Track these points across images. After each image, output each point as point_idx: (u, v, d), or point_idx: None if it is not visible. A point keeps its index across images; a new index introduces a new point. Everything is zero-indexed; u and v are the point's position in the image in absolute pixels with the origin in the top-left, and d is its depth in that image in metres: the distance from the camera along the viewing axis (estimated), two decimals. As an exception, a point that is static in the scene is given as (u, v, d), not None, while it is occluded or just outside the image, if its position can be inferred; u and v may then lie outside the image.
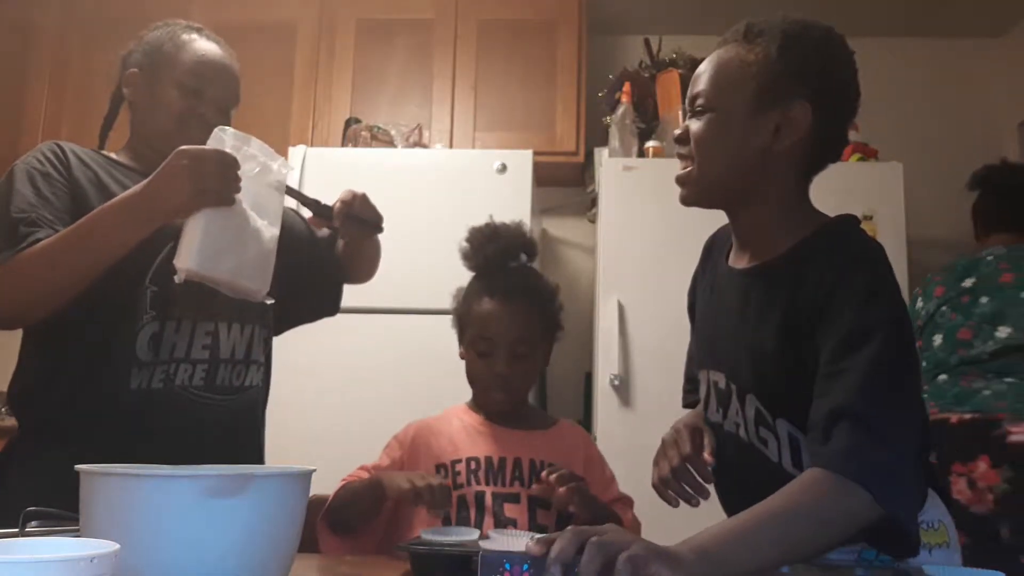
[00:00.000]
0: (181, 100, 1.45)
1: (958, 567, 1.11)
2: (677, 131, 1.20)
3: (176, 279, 1.27)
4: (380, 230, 1.56)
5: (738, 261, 1.22)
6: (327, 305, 1.68)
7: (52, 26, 3.27)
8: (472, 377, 1.52)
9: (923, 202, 2.92)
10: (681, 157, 1.19)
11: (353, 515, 1.40)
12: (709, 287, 1.30)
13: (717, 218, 1.27)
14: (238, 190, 1.29)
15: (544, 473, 1.36)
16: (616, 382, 2.53)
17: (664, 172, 2.71)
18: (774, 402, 1.11)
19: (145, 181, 1.28)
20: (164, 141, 1.39)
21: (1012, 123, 3.36)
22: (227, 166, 1.27)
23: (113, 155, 1.49)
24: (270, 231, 1.36)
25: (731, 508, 1.21)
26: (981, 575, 0.94)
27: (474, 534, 1.23)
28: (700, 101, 1.16)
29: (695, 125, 1.16)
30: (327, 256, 1.63)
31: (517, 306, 1.47)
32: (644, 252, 2.61)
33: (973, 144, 3.39)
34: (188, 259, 1.26)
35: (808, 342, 1.05)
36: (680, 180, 1.18)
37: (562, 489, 1.32)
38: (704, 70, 1.18)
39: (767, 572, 0.92)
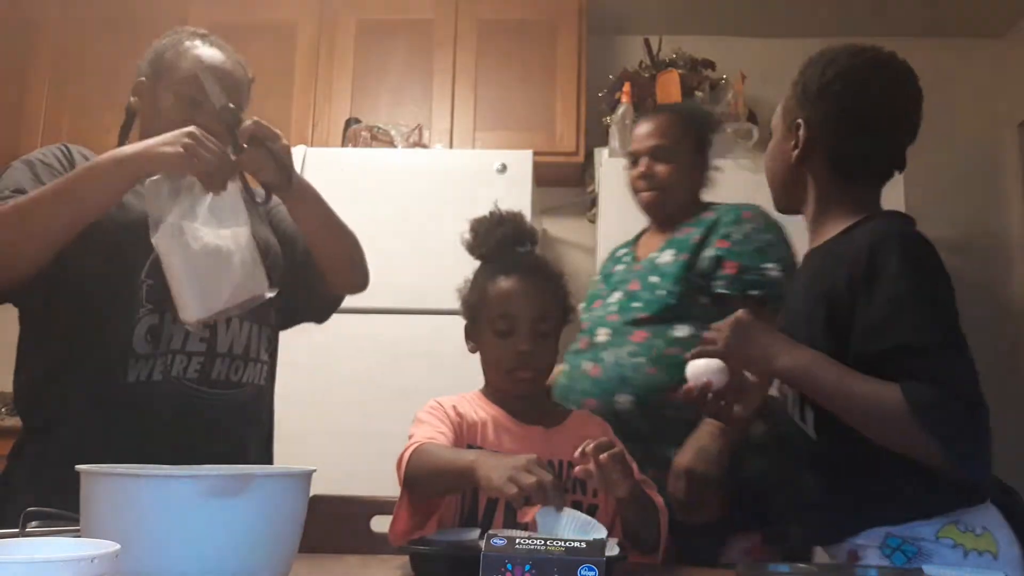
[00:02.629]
0: (177, 109, 1.44)
1: (959, 567, 1.11)
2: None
3: (193, 332, 1.32)
4: (287, 173, 1.40)
5: None
6: (320, 310, 1.67)
7: (52, 26, 3.27)
8: (492, 361, 1.47)
9: (923, 202, 2.92)
10: None
11: (428, 491, 1.33)
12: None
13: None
14: (223, 186, 1.31)
15: (578, 451, 1.26)
16: (616, 382, 2.52)
17: (664, 172, 2.72)
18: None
19: (133, 146, 1.31)
20: None
21: (1012, 123, 3.36)
22: (226, 161, 1.29)
23: None
24: (241, 233, 1.35)
25: None
26: (981, 574, 0.94)
27: (473, 533, 1.22)
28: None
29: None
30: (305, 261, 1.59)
31: (535, 284, 1.46)
32: (644, 252, 2.60)
33: (973, 144, 3.39)
34: (189, 312, 1.29)
35: (842, 310, 1.23)
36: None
37: (603, 456, 1.24)
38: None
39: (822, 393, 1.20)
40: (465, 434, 1.42)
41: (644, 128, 1.94)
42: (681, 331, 1.73)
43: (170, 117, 1.43)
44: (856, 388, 1.18)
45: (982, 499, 1.19)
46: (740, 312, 1.29)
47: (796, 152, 1.37)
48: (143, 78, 1.50)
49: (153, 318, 1.36)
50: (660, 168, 1.88)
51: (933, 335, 1.16)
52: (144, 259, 1.35)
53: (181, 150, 1.27)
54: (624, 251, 2.00)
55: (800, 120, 1.36)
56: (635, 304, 1.80)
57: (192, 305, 1.28)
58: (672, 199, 1.89)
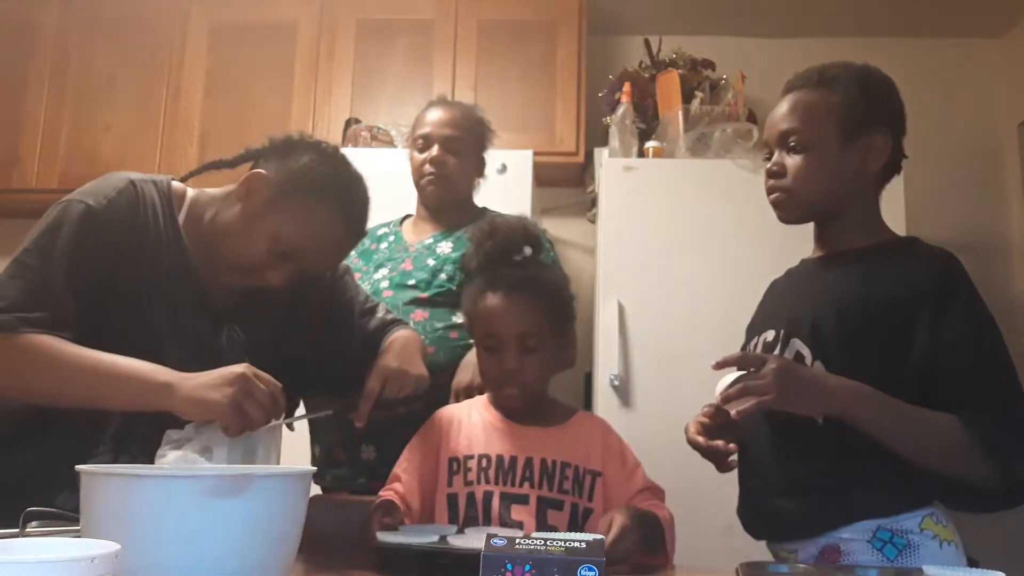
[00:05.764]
0: (264, 248, 1.30)
1: (958, 567, 1.12)
2: (771, 166, 1.41)
3: None
4: (421, 398, 1.46)
5: (814, 255, 1.47)
6: (339, 389, 1.53)
7: (52, 26, 3.27)
8: (484, 375, 1.50)
9: (923, 202, 2.92)
10: (773, 188, 1.41)
11: None
12: (778, 288, 1.54)
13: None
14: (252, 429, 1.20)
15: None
16: (616, 382, 2.53)
17: (664, 173, 2.73)
18: (820, 347, 1.31)
19: (185, 381, 1.18)
20: (223, 262, 1.31)
21: (1012, 123, 3.36)
22: (272, 414, 1.21)
23: (181, 219, 1.36)
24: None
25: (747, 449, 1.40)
26: (981, 575, 0.94)
27: (449, 531, 1.23)
28: (794, 139, 1.38)
29: (792, 160, 1.38)
30: (360, 355, 1.50)
31: (521, 299, 1.44)
32: (644, 252, 2.60)
33: (973, 144, 3.39)
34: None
35: (902, 321, 1.26)
36: (776, 203, 1.41)
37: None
38: (788, 111, 1.39)
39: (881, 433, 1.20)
40: (456, 439, 1.47)
41: (439, 115, 1.98)
42: (460, 318, 1.68)
43: (248, 251, 1.31)
44: (915, 417, 1.22)
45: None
46: (777, 358, 1.25)
47: (881, 166, 1.39)
48: (264, 171, 1.32)
49: (107, 457, 1.26)
50: (451, 159, 1.95)
51: (1006, 361, 1.27)
52: None
53: (227, 403, 1.16)
54: (385, 230, 2.04)
55: (887, 135, 1.38)
56: (410, 282, 1.84)
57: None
58: (456, 192, 1.98)
